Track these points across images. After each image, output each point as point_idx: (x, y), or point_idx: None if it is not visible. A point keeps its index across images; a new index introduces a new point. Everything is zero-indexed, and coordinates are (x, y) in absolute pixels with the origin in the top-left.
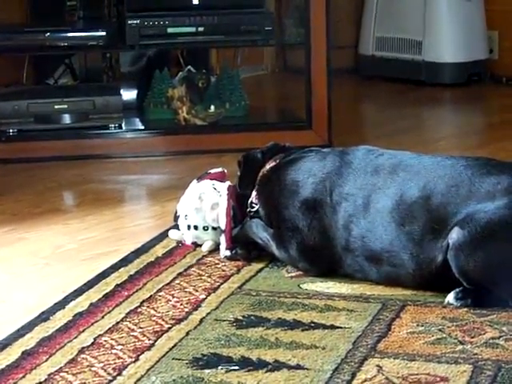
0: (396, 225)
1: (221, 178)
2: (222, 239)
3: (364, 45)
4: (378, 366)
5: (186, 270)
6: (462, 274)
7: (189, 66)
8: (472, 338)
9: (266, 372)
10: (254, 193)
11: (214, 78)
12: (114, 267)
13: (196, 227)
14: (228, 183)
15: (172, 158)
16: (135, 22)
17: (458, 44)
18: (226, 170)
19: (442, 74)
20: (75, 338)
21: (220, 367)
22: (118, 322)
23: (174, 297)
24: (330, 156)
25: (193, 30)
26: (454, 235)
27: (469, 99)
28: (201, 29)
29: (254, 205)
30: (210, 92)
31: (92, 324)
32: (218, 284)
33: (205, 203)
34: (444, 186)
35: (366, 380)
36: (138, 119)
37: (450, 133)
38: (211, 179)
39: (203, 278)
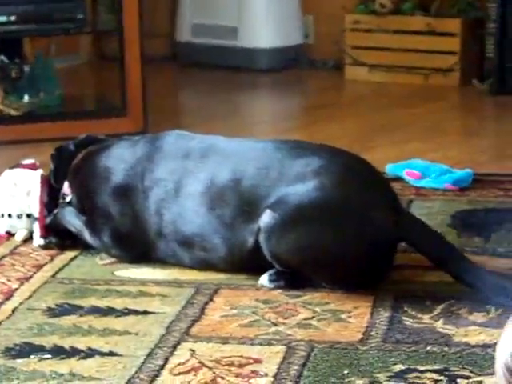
0: (207, 209)
1: (33, 168)
2: (36, 227)
3: (180, 32)
4: (191, 350)
5: None
6: (274, 256)
7: (1, 56)
8: (285, 319)
9: (78, 359)
10: (66, 184)
11: (27, 68)
12: None
13: (10, 215)
14: (40, 171)
15: None
16: None
17: (273, 29)
18: (38, 162)
19: (258, 59)
20: None
21: (32, 356)
22: None
23: None
24: (141, 142)
25: (4, 19)
26: (266, 218)
27: (286, 84)
28: (12, 18)
29: (65, 196)
30: (23, 82)
31: None
32: (31, 273)
33: (19, 189)
34: (254, 168)
35: (179, 364)
36: None
37: (266, 117)
38: (23, 169)
39: (16, 267)
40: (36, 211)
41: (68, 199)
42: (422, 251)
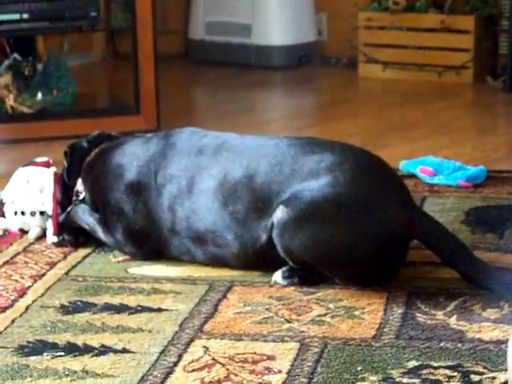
0: (220, 205)
1: (46, 166)
2: (49, 225)
3: (194, 29)
4: (204, 346)
5: (12, 258)
6: (287, 252)
7: (15, 54)
8: (299, 315)
9: (91, 357)
10: (79, 181)
11: (40, 66)
12: None
13: (23, 213)
14: (53, 169)
15: (0, 147)
16: None
17: (286, 27)
18: (51, 160)
19: (271, 56)
20: None
21: (45, 354)
22: None
23: None
24: (154, 139)
25: (17, 16)
26: (279, 214)
27: (299, 81)
28: (25, 15)
29: (79, 193)
30: (36, 79)
31: None
32: (44, 271)
33: (33, 186)
34: (267, 165)
35: (192, 361)
36: None
37: (280, 114)
38: (37, 167)
39: (30, 265)
40: (49, 209)
41: (81, 196)
42: (432, 249)
